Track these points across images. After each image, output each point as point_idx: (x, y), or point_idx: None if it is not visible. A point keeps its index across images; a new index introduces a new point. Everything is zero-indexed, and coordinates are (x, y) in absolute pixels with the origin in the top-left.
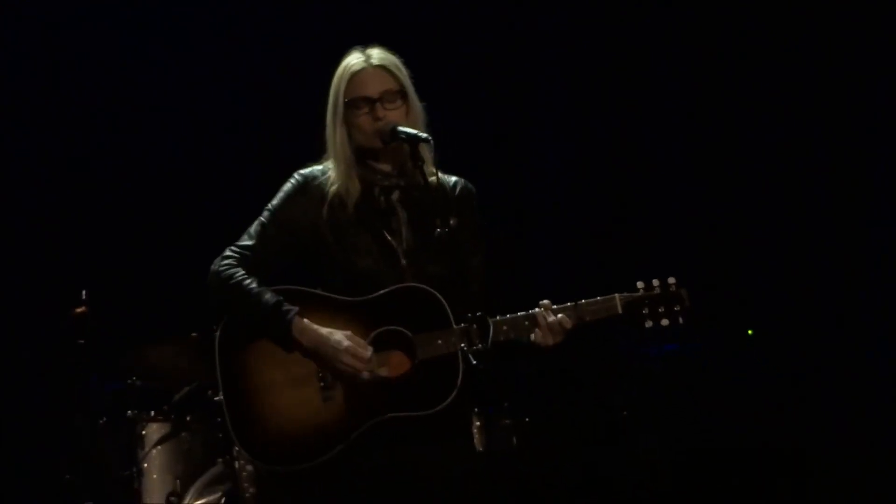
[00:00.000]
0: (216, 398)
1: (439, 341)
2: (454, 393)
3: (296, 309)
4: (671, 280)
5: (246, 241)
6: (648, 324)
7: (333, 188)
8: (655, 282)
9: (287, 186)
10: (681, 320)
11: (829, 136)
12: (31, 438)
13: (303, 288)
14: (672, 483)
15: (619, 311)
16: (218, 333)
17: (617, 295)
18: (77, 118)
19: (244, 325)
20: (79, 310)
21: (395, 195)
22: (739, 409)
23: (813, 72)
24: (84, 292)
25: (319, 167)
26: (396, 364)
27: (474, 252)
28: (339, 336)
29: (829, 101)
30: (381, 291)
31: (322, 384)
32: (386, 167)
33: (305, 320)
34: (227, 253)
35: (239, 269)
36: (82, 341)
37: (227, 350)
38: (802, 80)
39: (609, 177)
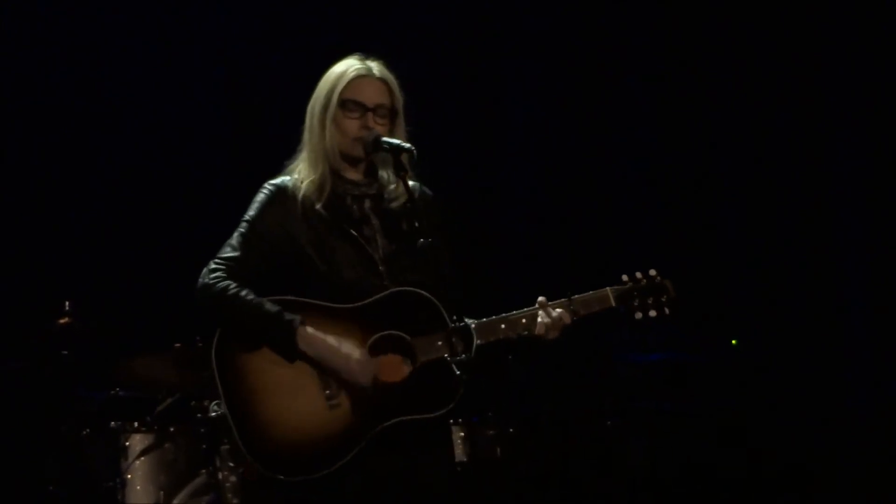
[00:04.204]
0: (213, 412)
1: (439, 343)
2: (460, 392)
3: (298, 318)
4: (652, 272)
5: (230, 253)
6: (638, 315)
7: (305, 185)
8: (639, 274)
9: (260, 197)
10: (667, 311)
11: (805, 137)
12: (15, 449)
13: (297, 298)
14: (658, 493)
15: (613, 303)
16: (214, 345)
17: (608, 288)
18: (63, 127)
19: (242, 335)
20: (62, 321)
21: (367, 204)
22: (725, 419)
23: (794, 70)
24: (67, 303)
25: (287, 177)
26: (390, 368)
27: (445, 257)
28: (347, 349)
29: (809, 102)
30: (376, 297)
31: (327, 391)
32: (357, 176)
33: (309, 329)
34: (213, 266)
35: (230, 280)
36: (66, 352)
37: (226, 361)
38: (782, 77)
39: (585, 179)
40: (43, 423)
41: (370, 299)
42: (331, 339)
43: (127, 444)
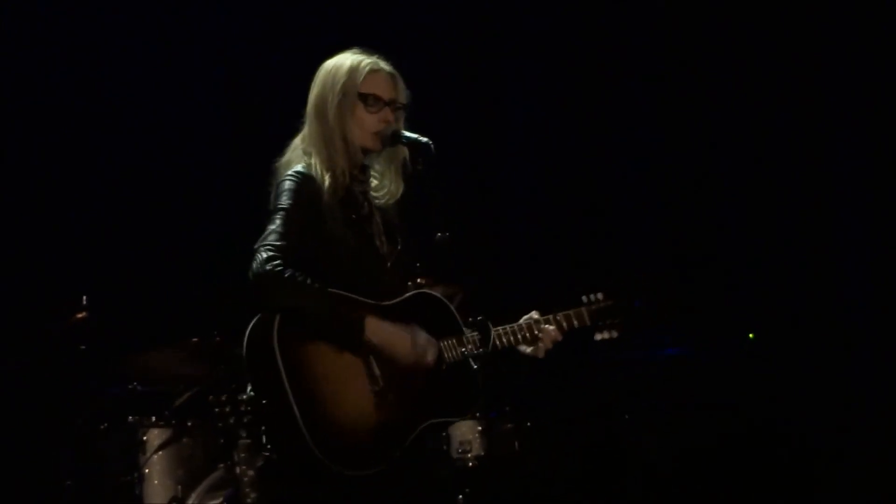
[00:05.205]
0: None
1: (462, 349)
2: (482, 396)
3: (363, 313)
4: (600, 295)
5: (279, 241)
6: (598, 336)
7: (327, 181)
8: (592, 296)
9: (290, 185)
10: (616, 333)
11: (805, 137)
12: (32, 443)
13: (339, 291)
14: (673, 487)
15: (588, 321)
16: (275, 331)
17: (584, 307)
18: (63, 127)
19: (307, 322)
20: (80, 315)
21: (372, 200)
22: (741, 413)
23: (794, 70)
24: (85, 298)
25: (304, 165)
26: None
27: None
28: (411, 334)
29: (809, 102)
30: (403, 297)
31: (375, 388)
32: (356, 172)
33: (373, 318)
34: (269, 254)
35: (290, 268)
36: (83, 347)
37: (289, 348)
38: (782, 77)
39: (585, 179)
40: (60, 417)
41: (398, 299)
42: (393, 328)
43: (144, 438)
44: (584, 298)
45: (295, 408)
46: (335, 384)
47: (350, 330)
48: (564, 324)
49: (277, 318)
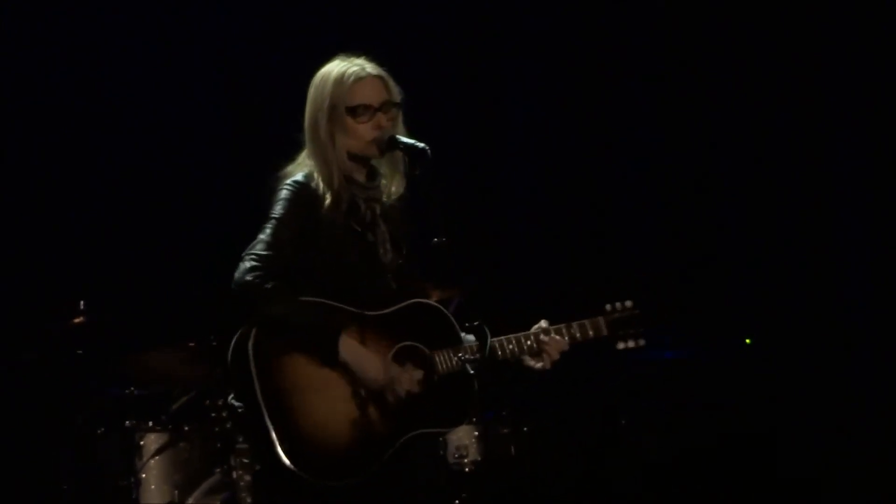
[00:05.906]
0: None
1: (456, 351)
2: (473, 409)
3: (339, 326)
4: (629, 303)
5: (265, 251)
6: (621, 345)
7: (328, 195)
8: (619, 304)
9: (286, 194)
10: (642, 342)
11: (805, 137)
12: (29, 448)
13: (325, 301)
14: (671, 492)
15: (605, 331)
16: (251, 341)
17: (601, 317)
18: (63, 127)
19: (284, 334)
20: (76, 320)
21: (377, 208)
22: (738, 417)
23: (794, 70)
24: (82, 302)
25: (305, 175)
26: (411, 379)
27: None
28: (380, 364)
29: (809, 102)
30: (397, 307)
31: (356, 400)
32: (362, 178)
33: (349, 338)
34: (252, 264)
35: (275, 280)
36: (80, 351)
37: (264, 359)
38: (782, 77)
39: (585, 179)
40: (57, 421)
41: (392, 308)
42: (366, 353)
43: (141, 442)
44: (609, 307)
45: (266, 418)
46: (312, 395)
47: (326, 341)
48: (578, 334)
49: (254, 328)
